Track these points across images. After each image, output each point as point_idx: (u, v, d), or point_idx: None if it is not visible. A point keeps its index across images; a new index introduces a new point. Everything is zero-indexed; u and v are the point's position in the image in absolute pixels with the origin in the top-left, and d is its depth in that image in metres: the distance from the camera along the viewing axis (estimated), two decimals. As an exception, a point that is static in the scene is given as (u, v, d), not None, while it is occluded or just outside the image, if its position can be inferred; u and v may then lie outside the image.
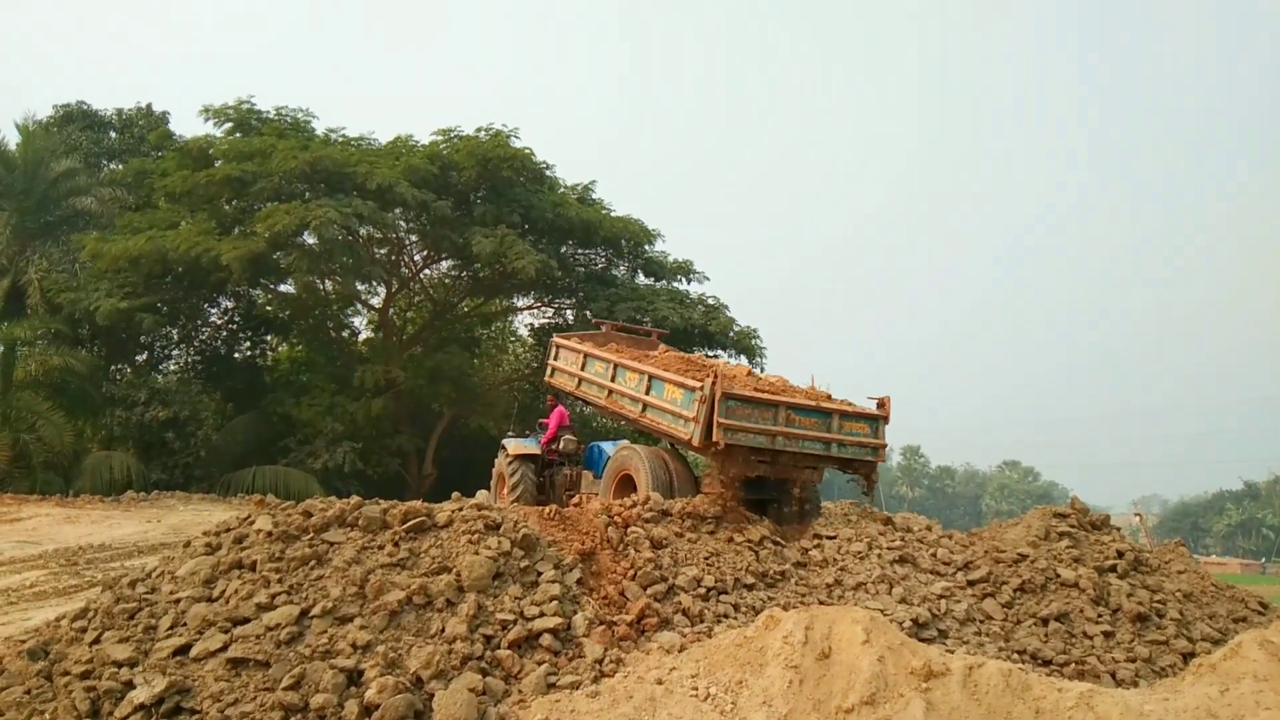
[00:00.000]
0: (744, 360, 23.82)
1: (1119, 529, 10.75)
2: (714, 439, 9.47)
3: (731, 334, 24.82)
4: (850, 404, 10.52)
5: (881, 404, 10.46)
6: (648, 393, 10.86)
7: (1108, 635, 8.39)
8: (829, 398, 10.63)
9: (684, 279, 26.15)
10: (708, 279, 26.58)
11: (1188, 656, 8.13)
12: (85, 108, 28.77)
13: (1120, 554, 9.68)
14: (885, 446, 10.62)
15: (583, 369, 12.68)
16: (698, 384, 9.74)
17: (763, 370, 20.12)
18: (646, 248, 25.67)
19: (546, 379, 13.97)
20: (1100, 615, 8.63)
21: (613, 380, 11.76)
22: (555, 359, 13.68)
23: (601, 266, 26.06)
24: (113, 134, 28.96)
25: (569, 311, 26.36)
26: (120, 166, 27.45)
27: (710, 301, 25.57)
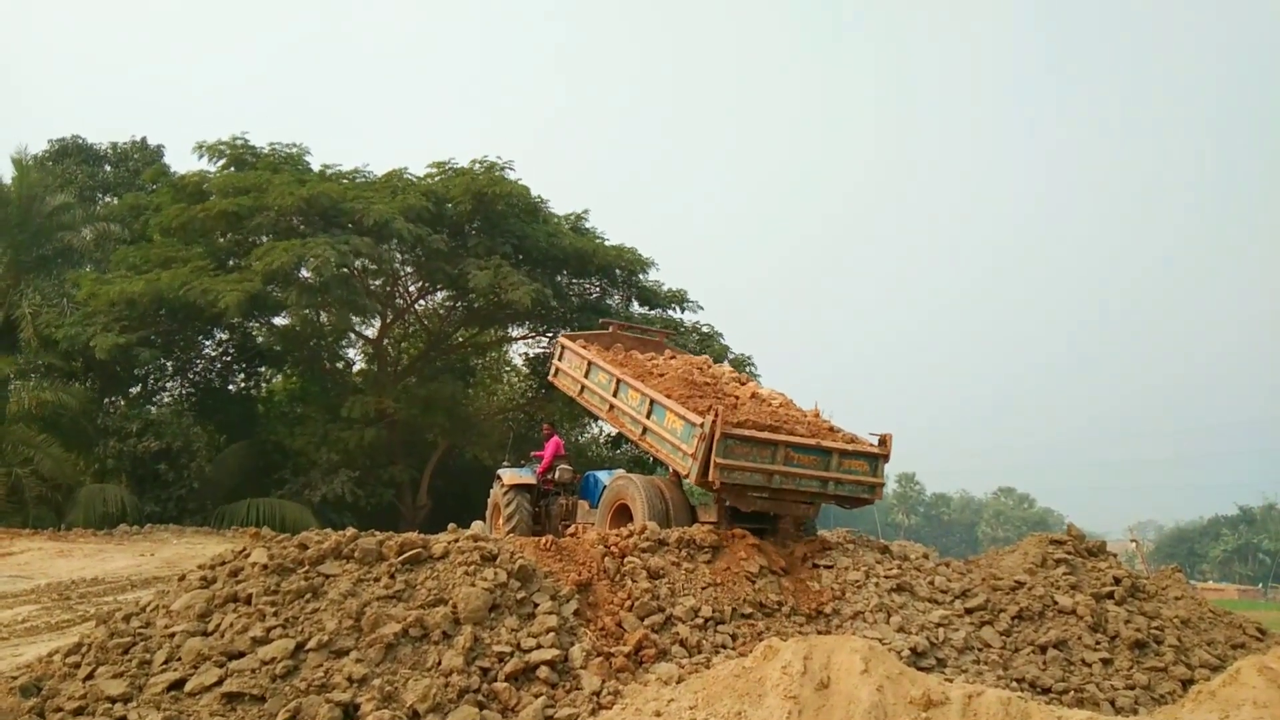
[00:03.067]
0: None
1: (1115, 555, 10.76)
2: (709, 478, 9.50)
3: (727, 361, 24.85)
4: (853, 439, 10.49)
5: (883, 441, 10.41)
6: (648, 416, 10.84)
7: (1106, 662, 8.37)
8: (831, 429, 10.61)
9: (678, 308, 26.23)
10: (701, 308, 26.67)
11: (1187, 683, 8.11)
12: (80, 142, 28.88)
13: (1117, 580, 9.68)
14: (883, 485, 10.60)
15: (586, 376, 12.61)
16: (699, 420, 9.70)
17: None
18: (640, 276, 25.75)
19: (550, 377, 13.96)
20: (1098, 642, 8.62)
21: (615, 395, 11.71)
22: (560, 359, 13.61)
23: (596, 296, 26.13)
24: (107, 168, 29.06)
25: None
26: (115, 200, 27.52)
27: (704, 329, 25.70)
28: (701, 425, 9.59)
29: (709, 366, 13.14)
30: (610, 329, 14.94)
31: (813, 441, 10.02)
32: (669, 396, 10.72)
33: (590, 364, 12.58)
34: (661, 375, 11.85)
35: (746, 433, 9.66)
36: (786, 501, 10.13)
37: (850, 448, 10.19)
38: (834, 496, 10.26)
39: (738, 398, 11.14)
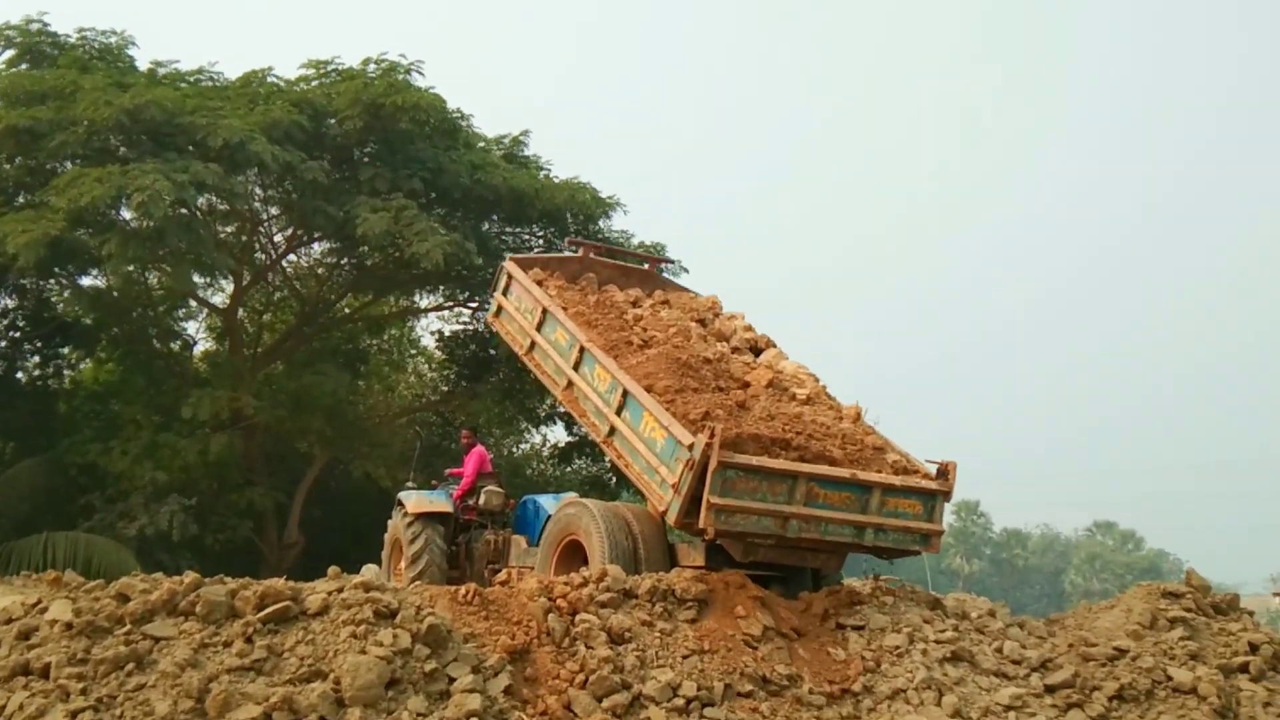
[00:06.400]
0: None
1: (1252, 614, 10.91)
2: (701, 524, 9.42)
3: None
4: (905, 463, 10.47)
5: (944, 471, 10.46)
6: (619, 412, 10.76)
7: (1238, 760, 8.51)
8: (877, 448, 10.51)
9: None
10: (685, 270, 26.69)
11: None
12: None
13: (1254, 648, 9.83)
14: (940, 533, 10.61)
15: (539, 329, 12.46)
16: (687, 439, 9.57)
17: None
18: (600, 224, 25.72)
19: (490, 316, 13.88)
20: (1227, 732, 8.75)
21: (576, 367, 11.59)
22: (505, 293, 13.49)
23: (538, 249, 26.08)
24: None
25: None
26: None
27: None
28: (690, 448, 9.51)
29: (715, 318, 13.02)
30: (580, 252, 14.74)
31: (846, 474, 9.95)
32: (651, 384, 10.56)
33: (545, 312, 12.38)
34: (644, 344, 11.64)
35: (754, 462, 9.54)
36: (804, 551, 10.14)
37: (898, 483, 10.17)
38: (872, 548, 10.27)
39: (748, 384, 11.06)
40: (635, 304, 13.28)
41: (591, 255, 14.72)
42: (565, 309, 12.31)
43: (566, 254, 14.69)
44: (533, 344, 12.58)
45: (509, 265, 13.52)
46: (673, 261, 15.10)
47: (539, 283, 12.96)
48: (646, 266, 15.01)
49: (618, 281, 13.99)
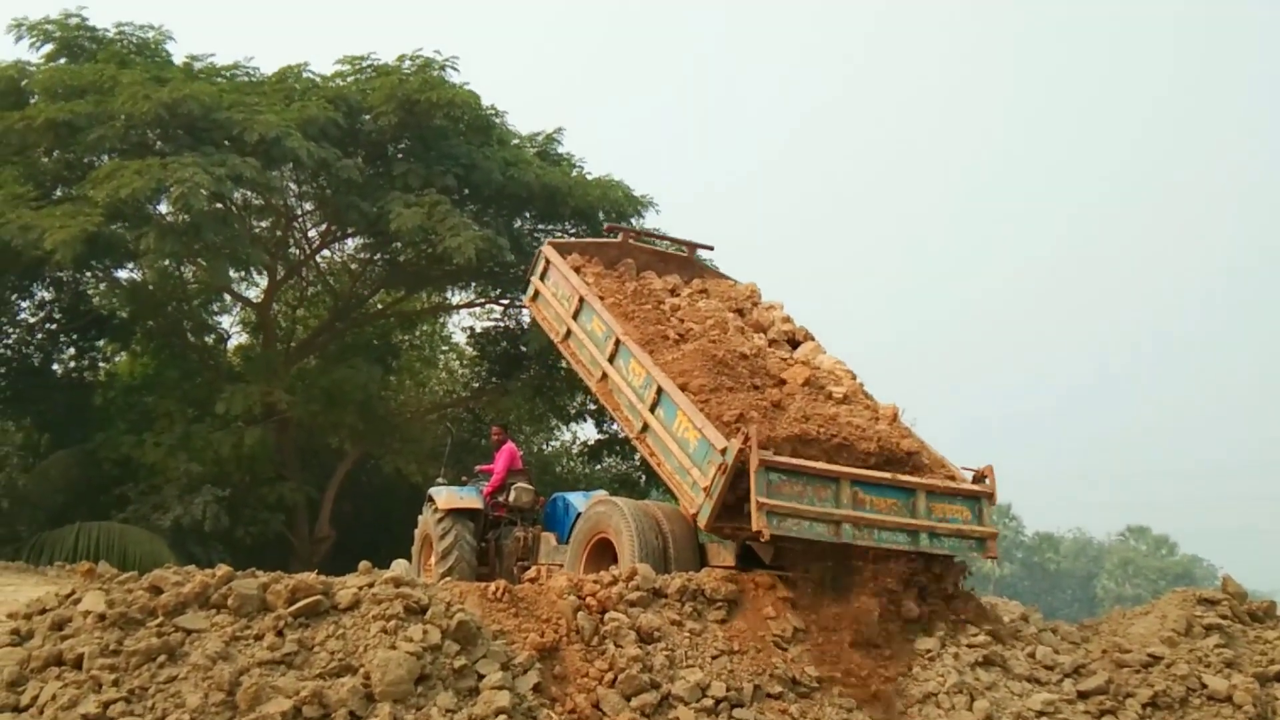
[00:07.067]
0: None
1: (1289, 621, 10.79)
2: (755, 527, 9.27)
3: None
4: (942, 463, 10.42)
5: (981, 476, 10.40)
6: (653, 409, 10.69)
7: (1273, 770, 8.42)
8: (909, 452, 10.37)
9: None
10: (710, 248, 26.60)
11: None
12: None
13: (1290, 656, 9.72)
14: (995, 535, 10.45)
15: (575, 317, 12.37)
16: (721, 442, 9.50)
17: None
18: (633, 221, 25.70)
19: (527, 299, 13.85)
20: (1263, 741, 8.67)
21: (612, 360, 11.51)
22: (542, 278, 13.40)
23: (570, 248, 26.13)
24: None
25: (524, 310, 26.35)
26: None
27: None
28: (724, 452, 9.45)
29: (754, 308, 12.89)
30: (620, 237, 14.65)
31: (886, 476, 9.88)
32: (685, 382, 10.50)
33: (582, 300, 12.29)
34: (680, 338, 11.52)
35: (795, 463, 9.47)
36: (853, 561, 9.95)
37: (941, 485, 10.10)
38: (927, 555, 9.99)
39: (784, 382, 10.98)
40: (673, 292, 13.18)
41: (630, 240, 14.64)
42: (602, 298, 12.21)
43: (604, 240, 14.55)
44: (568, 332, 12.52)
45: (547, 249, 13.45)
46: (711, 248, 14.89)
47: (577, 269, 12.90)
48: (685, 252, 14.82)
49: (656, 268, 13.90)
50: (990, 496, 10.34)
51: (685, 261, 14.52)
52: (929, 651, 9.12)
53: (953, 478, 10.49)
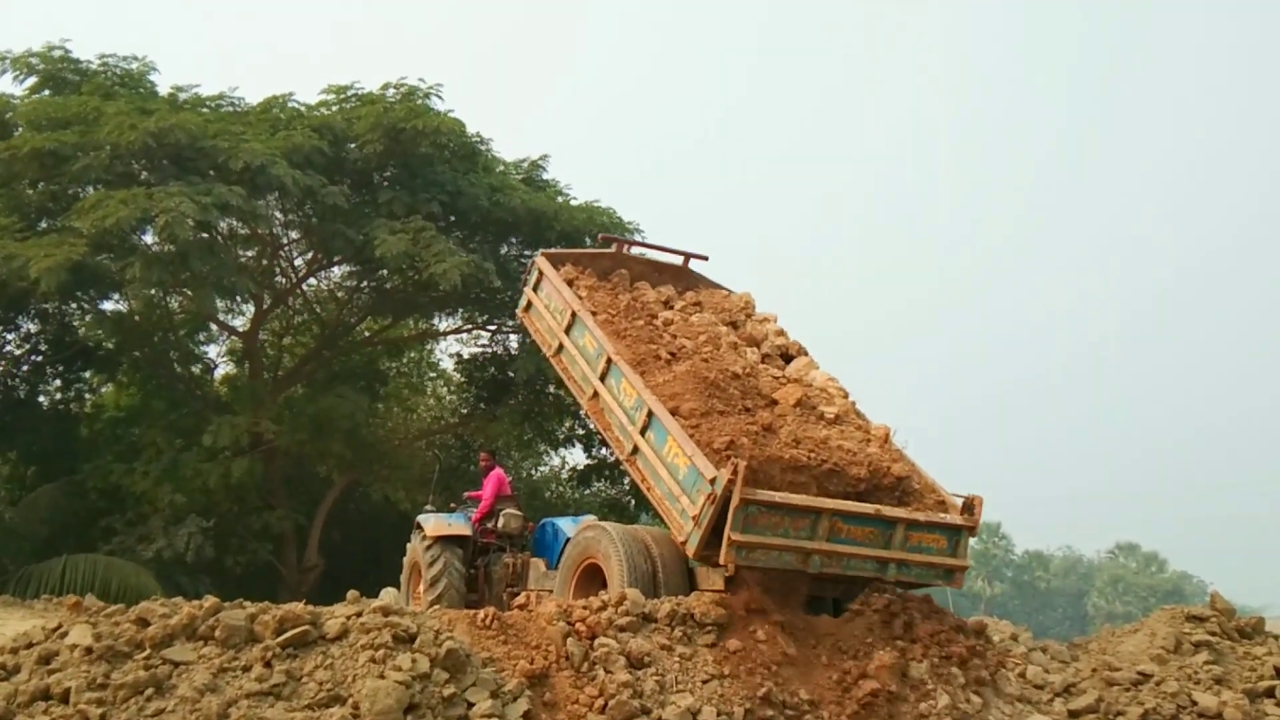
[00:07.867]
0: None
1: (1277, 637, 10.81)
2: (721, 560, 9.38)
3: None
4: (932, 489, 10.42)
5: (969, 506, 10.38)
6: (644, 431, 10.66)
7: (1265, 788, 8.43)
8: (898, 478, 10.39)
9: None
10: (706, 258, 26.64)
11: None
12: None
13: (1280, 672, 9.74)
14: (965, 568, 10.52)
15: (568, 331, 12.32)
16: (710, 472, 9.51)
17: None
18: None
19: (520, 311, 13.80)
20: (1253, 758, 8.68)
21: (603, 378, 11.48)
22: (536, 290, 13.36)
23: (557, 273, 26.17)
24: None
25: (512, 336, 26.38)
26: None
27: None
28: (713, 482, 9.46)
29: (748, 320, 12.87)
30: (614, 247, 14.55)
31: (870, 510, 9.91)
32: (676, 406, 10.47)
33: (574, 316, 12.26)
34: (672, 357, 11.50)
35: (777, 498, 9.50)
36: (825, 582, 10.04)
37: (923, 518, 10.10)
38: (893, 583, 10.10)
39: (776, 403, 10.98)
40: (667, 304, 13.09)
41: (624, 251, 14.56)
42: (595, 313, 12.14)
43: (598, 250, 14.49)
44: (561, 346, 12.48)
45: (540, 260, 13.37)
46: (706, 258, 14.84)
47: (570, 282, 12.82)
48: (683, 262, 14.77)
49: (650, 278, 13.81)
50: (972, 529, 10.33)
51: (680, 271, 14.41)
52: (922, 682, 9.10)
53: (943, 503, 10.48)
